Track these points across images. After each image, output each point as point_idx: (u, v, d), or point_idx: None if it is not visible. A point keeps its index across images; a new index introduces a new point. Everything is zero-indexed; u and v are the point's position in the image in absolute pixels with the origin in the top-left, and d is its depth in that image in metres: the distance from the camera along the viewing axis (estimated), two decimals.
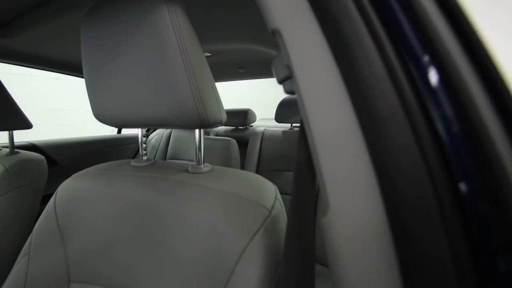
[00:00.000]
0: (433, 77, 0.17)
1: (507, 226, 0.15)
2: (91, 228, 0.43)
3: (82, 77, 0.47)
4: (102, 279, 0.41)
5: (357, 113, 0.18)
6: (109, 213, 0.43)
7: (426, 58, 0.17)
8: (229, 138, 1.45)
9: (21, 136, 1.02)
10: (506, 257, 0.15)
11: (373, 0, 0.19)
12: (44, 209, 0.48)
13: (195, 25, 0.39)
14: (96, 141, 1.46)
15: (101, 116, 0.45)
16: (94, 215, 0.44)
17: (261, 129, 1.63)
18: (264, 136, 1.55)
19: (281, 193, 0.43)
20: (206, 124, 0.39)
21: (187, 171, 0.46)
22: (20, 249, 0.47)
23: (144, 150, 0.53)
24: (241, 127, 1.90)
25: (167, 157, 1.64)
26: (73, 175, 0.50)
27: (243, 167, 1.57)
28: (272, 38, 0.23)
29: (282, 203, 0.41)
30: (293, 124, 1.55)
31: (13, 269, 0.46)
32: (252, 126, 1.95)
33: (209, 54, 1.22)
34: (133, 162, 0.50)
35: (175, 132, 1.68)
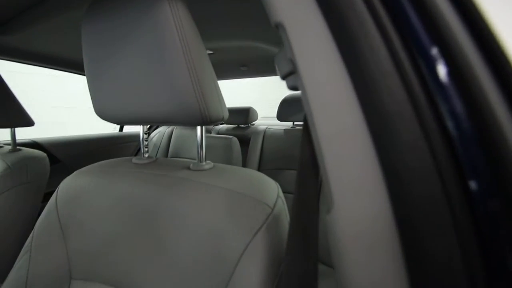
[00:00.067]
0: (442, 71, 0.16)
1: None
2: (93, 225, 0.43)
3: (84, 75, 0.46)
4: (103, 276, 0.41)
5: (363, 108, 0.18)
6: (111, 210, 0.43)
7: (435, 52, 0.16)
8: (231, 136, 1.45)
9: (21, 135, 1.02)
10: None
11: None
12: (46, 206, 0.48)
13: (197, 21, 0.39)
14: (98, 139, 1.46)
15: (102, 113, 0.45)
16: (95, 212, 0.44)
17: (263, 127, 1.63)
18: (266, 135, 1.54)
19: (283, 192, 0.42)
20: (207, 121, 0.38)
21: (188, 168, 0.45)
22: (22, 246, 0.47)
23: (146, 147, 0.53)
24: (242, 125, 1.90)
25: (169, 155, 1.64)
26: (75, 172, 0.50)
27: (244, 165, 1.56)
28: (274, 34, 0.23)
29: (284, 201, 0.40)
30: (295, 122, 1.54)
31: (14, 266, 0.46)
32: (253, 124, 1.95)
33: (211, 52, 1.21)
34: (134, 159, 0.50)
35: (176, 130, 1.68)
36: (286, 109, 1.48)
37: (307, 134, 0.26)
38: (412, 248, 0.16)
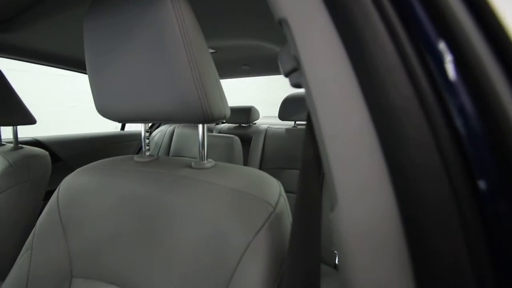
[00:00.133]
0: (450, 65, 0.16)
1: None
2: (94, 223, 0.43)
3: (85, 73, 0.46)
4: (104, 274, 0.41)
5: (368, 104, 0.18)
6: (112, 208, 0.43)
7: (442, 45, 0.16)
8: (232, 136, 1.45)
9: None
10: None
11: None
12: (47, 204, 0.48)
13: (198, 19, 0.38)
14: (100, 137, 1.46)
15: (104, 110, 0.45)
16: (96, 210, 0.44)
17: (265, 126, 1.62)
18: (267, 134, 1.54)
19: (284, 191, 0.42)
20: (209, 119, 0.38)
21: (190, 166, 0.45)
22: (23, 244, 0.47)
23: (147, 145, 0.53)
24: (244, 125, 1.89)
25: (170, 154, 1.64)
26: (76, 170, 0.50)
27: (246, 164, 1.56)
28: (276, 33, 0.22)
29: (286, 199, 0.40)
30: (297, 122, 1.54)
31: (15, 264, 0.46)
32: (255, 123, 1.95)
33: (213, 51, 1.21)
34: (136, 158, 0.50)
35: (178, 129, 1.68)
36: (288, 108, 1.48)
37: (310, 131, 0.25)
38: (418, 248, 0.16)
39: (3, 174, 0.78)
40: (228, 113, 0.43)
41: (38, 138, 1.18)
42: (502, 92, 0.14)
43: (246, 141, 1.62)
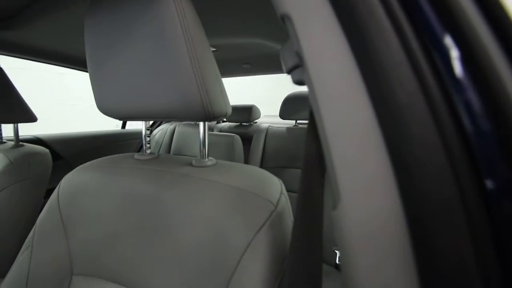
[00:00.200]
0: (457, 61, 0.15)
1: None
2: (94, 220, 0.43)
3: (86, 71, 0.46)
4: (104, 272, 0.41)
5: (373, 101, 0.17)
6: (112, 206, 0.42)
7: (449, 40, 0.15)
8: (233, 134, 1.44)
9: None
10: None
11: None
12: (48, 201, 0.48)
13: (199, 17, 0.38)
14: (101, 136, 1.47)
15: (104, 108, 0.45)
16: (97, 207, 0.43)
17: (265, 125, 1.62)
18: (268, 133, 1.53)
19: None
20: (211, 116, 0.38)
21: (191, 164, 0.45)
22: (24, 241, 0.47)
23: (148, 143, 0.53)
24: (245, 123, 1.89)
25: (171, 152, 1.64)
26: (77, 168, 0.50)
27: (246, 163, 1.56)
28: (278, 31, 0.22)
29: (287, 198, 0.40)
30: (298, 121, 1.53)
31: (16, 261, 0.46)
32: (256, 122, 1.94)
33: (214, 49, 1.20)
34: (136, 155, 0.50)
35: (179, 128, 1.68)
36: (289, 107, 1.47)
37: (313, 129, 0.25)
38: (423, 247, 0.15)
39: (4, 172, 0.78)
40: (229, 110, 0.42)
41: (39, 136, 1.18)
42: (511, 88, 0.14)
43: (247, 140, 1.62)
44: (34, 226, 0.47)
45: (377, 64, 0.17)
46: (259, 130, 1.58)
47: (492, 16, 0.15)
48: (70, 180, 0.48)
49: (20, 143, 0.91)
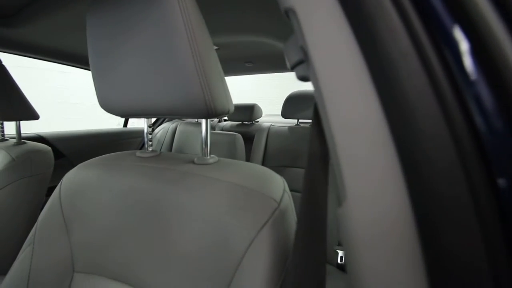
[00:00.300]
0: (467, 53, 0.15)
1: None
2: (96, 218, 0.43)
3: (88, 69, 0.46)
4: (105, 270, 0.41)
5: (380, 96, 0.17)
6: (114, 203, 0.42)
7: (459, 31, 0.15)
8: (235, 133, 1.44)
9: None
10: None
11: None
12: (49, 199, 0.48)
13: (202, 15, 0.38)
14: (102, 134, 1.47)
15: (107, 105, 0.44)
16: (98, 205, 0.43)
17: (267, 124, 1.61)
18: (270, 132, 1.53)
19: None
20: (213, 114, 0.37)
21: (193, 162, 0.45)
22: (25, 239, 0.47)
23: (150, 141, 0.53)
24: (246, 122, 1.89)
25: (173, 151, 1.64)
26: (78, 165, 0.50)
27: (248, 162, 1.55)
28: (280, 29, 0.21)
29: (290, 196, 0.39)
30: (300, 120, 1.53)
31: (17, 258, 0.46)
32: (258, 121, 1.94)
33: (216, 48, 1.20)
34: (138, 153, 0.50)
35: (180, 127, 1.68)
36: (291, 106, 1.47)
37: (317, 126, 0.25)
38: (432, 247, 0.15)
39: (6, 169, 0.78)
40: (232, 108, 0.42)
41: (41, 134, 1.19)
42: None
43: (249, 139, 1.62)
44: (36, 223, 0.47)
45: (384, 58, 0.16)
46: (260, 129, 1.58)
47: (505, 6, 0.14)
48: (71, 178, 0.48)
49: (22, 140, 0.91)
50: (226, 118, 2.11)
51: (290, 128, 1.48)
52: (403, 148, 0.16)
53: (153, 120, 1.73)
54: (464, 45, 0.15)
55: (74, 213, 0.45)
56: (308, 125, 1.52)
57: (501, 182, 0.14)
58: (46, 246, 0.44)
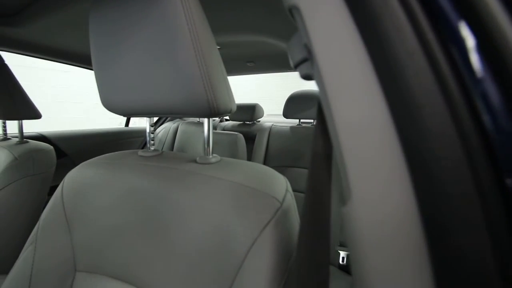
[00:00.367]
0: (474, 50, 0.15)
1: None
2: (97, 217, 0.43)
3: (91, 68, 0.46)
4: (108, 269, 0.41)
5: (386, 94, 0.17)
6: (116, 202, 0.42)
7: (466, 28, 0.15)
8: (236, 133, 1.44)
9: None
10: None
11: None
12: (51, 197, 0.48)
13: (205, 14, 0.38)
14: (104, 133, 1.47)
15: (109, 105, 0.44)
16: (100, 204, 0.43)
17: (269, 124, 1.61)
18: (272, 132, 1.53)
19: None
20: (216, 113, 0.37)
21: (195, 161, 0.44)
22: (27, 238, 0.47)
23: (152, 140, 0.52)
24: (248, 122, 1.88)
25: (174, 151, 1.64)
26: (80, 164, 0.50)
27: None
28: (282, 28, 0.21)
29: (293, 195, 0.39)
30: (301, 120, 1.52)
31: (19, 257, 0.46)
32: (259, 121, 1.94)
33: (218, 47, 1.20)
34: (140, 152, 0.50)
35: (182, 126, 1.68)
36: (293, 106, 1.46)
37: (321, 124, 0.24)
38: (439, 247, 0.15)
39: (9, 168, 0.78)
40: (234, 107, 0.42)
41: (43, 133, 1.19)
42: None
43: (250, 138, 1.62)
44: (38, 222, 0.47)
45: (390, 56, 0.16)
46: (262, 129, 1.58)
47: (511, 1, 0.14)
48: (73, 177, 0.48)
49: (25, 139, 0.91)
50: (227, 117, 2.11)
51: (291, 128, 1.47)
52: (410, 147, 0.16)
53: (155, 119, 1.73)
54: (471, 42, 0.15)
55: (76, 212, 0.45)
56: (309, 125, 1.52)
57: (509, 180, 0.14)
58: (48, 245, 0.44)
